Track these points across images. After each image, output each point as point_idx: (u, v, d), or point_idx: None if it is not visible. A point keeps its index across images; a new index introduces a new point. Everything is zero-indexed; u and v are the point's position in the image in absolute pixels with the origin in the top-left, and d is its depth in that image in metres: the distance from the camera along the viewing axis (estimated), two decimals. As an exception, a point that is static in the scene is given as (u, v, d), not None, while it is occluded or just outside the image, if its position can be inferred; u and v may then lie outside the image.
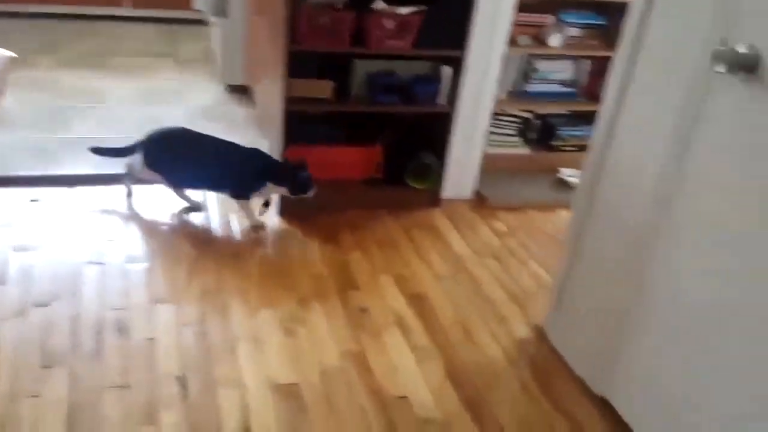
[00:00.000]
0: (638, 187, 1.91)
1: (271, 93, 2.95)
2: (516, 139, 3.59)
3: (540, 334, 2.39)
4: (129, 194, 2.91)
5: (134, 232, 2.69)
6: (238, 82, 4.13)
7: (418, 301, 2.48)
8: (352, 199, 3.03)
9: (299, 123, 2.79)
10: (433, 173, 3.04)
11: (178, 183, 2.82)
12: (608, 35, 3.53)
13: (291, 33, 2.55)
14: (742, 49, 1.53)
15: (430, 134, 3.05)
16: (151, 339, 2.14)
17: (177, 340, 2.14)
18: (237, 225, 2.81)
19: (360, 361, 2.14)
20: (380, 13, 2.63)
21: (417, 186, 3.06)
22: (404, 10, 2.64)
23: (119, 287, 2.36)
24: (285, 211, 2.92)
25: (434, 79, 2.91)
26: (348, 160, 2.99)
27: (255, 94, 3.91)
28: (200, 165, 2.74)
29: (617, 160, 2.01)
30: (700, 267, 1.73)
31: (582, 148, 3.70)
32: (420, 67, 2.96)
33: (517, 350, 2.31)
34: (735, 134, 1.61)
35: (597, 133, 2.09)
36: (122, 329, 2.16)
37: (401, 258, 2.74)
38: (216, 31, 4.20)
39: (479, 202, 3.26)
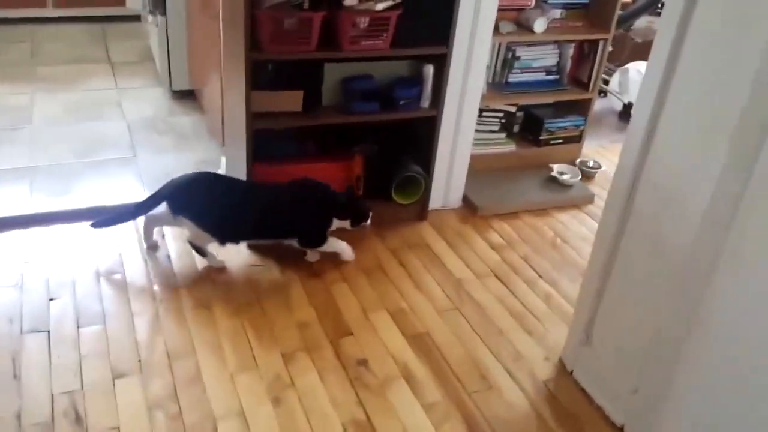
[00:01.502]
0: (688, 206, 1.61)
1: (230, 104, 2.55)
2: (501, 135, 3.27)
3: (563, 370, 2.11)
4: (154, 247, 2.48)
5: (79, 284, 2.28)
6: (184, 87, 3.68)
7: (421, 342, 2.16)
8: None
9: (266, 137, 2.41)
10: (421, 185, 2.70)
11: (228, 237, 2.38)
12: (591, 16, 3.24)
13: (251, 39, 2.16)
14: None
15: (414, 140, 2.71)
16: (115, 429, 1.76)
17: (146, 426, 1.77)
18: (200, 265, 2.42)
19: (368, 433, 1.82)
20: (352, 11, 2.26)
21: (403, 202, 2.72)
22: (379, 6, 2.27)
23: (69, 362, 1.96)
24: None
25: (416, 80, 2.56)
26: (324, 176, 2.62)
27: (203, 99, 3.49)
28: (259, 215, 2.36)
29: (659, 174, 1.71)
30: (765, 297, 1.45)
31: (571, 140, 3.43)
32: (400, 68, 2.61)
33: (542, 395, 2.01)
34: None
35: (629, 142, 1.79)
36: (77, 418, 1.77)
37: (394, 288, 2.40)
38: (154, 30, 3.73)
39: (469, 211, 2.94)
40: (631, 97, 4.10)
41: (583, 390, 2.03)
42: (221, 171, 2.75)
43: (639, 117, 1.73)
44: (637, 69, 4.13)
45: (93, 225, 2.41)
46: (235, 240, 2.41)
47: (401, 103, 2.53)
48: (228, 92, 2.45)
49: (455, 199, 2.95)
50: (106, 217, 2.41)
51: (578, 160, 3.41)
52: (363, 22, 2.28)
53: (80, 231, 2.51)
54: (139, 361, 1.97)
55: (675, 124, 1.64)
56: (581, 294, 2.06)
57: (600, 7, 3.19)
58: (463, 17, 2.49)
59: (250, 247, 2.52)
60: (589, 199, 3.16)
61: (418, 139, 2.69)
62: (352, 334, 2.16)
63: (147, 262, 2.40)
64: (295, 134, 2.58)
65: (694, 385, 1.67)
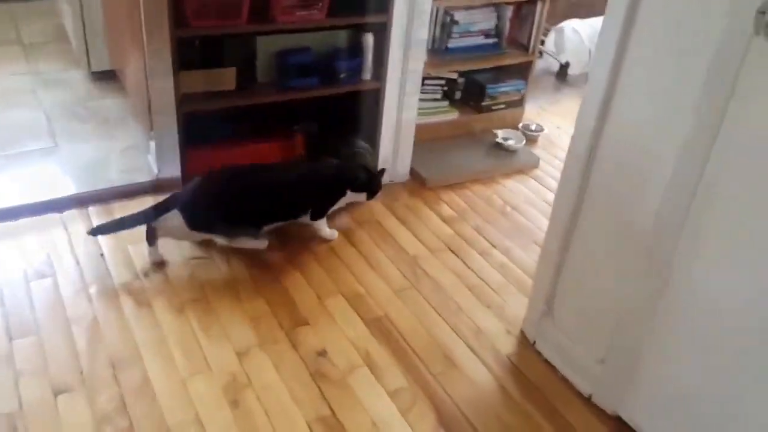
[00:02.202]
0: (652, 174, 1.57)
1: (156, 86, 2.37)
2: (443, 104, 3.19)
3: (525, 342, 2.07)
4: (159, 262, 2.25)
5: (6, 291, 2.09)
6: (104, 67, 3.42)
7: (380, 326, 2.08)
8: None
9: (198, 119, 2.25)
10: (367, 160, 2.60)
11: (240, 230, 2.26)
12: (530, -25, 3.17)
13: (175, 13, 1.98)
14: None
15: (357, 115, 2.59)
16: (58, 451, 1.62)
17: (93, 444, 1.64)
18: (139, 263, 2.26)
19: (334, 429, 1.73)
20: (285, -21, 2.11)
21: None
22: (313, -27, 2.13)
23: (3, 379, 1.79)
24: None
25: (356, 51, 2.44)
26: (262, 158, 2.49)
27: (126, 80, 3.25)
28: (271, 199, 2.27)
29: (619, 141, 1.66)
30: (735, 265, 1.43)
31: (513, 105, 3.37)
32: (338, 39, 2.47)
33: (506, 369, 1.98)
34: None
35: (585, 109, 1.72)
36: (14, 443, 1.63)
37: (348, 271, 2.31)
38: (67, 7, 3.45)
39: (417, 183, 2.86)
40: (567, 56, 4.07)
41: (546, 361, 2.01)
42: (151, 156, 2.58)
43: (596, 80, 1.66)
44: (572, 27, 4.09)
45: (93, 232, 2.21)
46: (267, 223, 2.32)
47: (342, 76, 2.41)
48: (153, 73, 2.26)
49: (403, 173, 2.86)
50: (105, 223, 2.22)
51: (521, 124, 3.37)
52: (295, -9, 2.14)
53: (1, 232, 2.30)
54: (81, 373, 1.82)
55: (635, 88, 1.59)
56: (540, 266, 2.01)
57: (536, -34, 3.12)
58: (401, -16, 2.37)
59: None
60: (535, 163, 3.13)
61: (362, 113, 2.58)
62: (308, 323, 2.06)
63: (78, 263, 2.22)
64: (230, 114, 2.42)
65: (663, 352, 1.66)
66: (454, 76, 3.17)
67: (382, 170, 2.53)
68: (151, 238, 2.21)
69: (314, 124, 2.51)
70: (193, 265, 2.27)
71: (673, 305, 1.61)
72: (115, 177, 2.60)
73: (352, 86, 2.44)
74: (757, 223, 1.37)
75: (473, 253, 2.47)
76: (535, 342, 2.06)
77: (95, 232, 2.21)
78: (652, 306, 1.65)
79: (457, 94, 3.27)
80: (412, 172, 2.88)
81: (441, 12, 3.01)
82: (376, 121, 2.56)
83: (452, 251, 2.47)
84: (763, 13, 1.25)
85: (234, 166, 2.24)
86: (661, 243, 1.58)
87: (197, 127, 2.28)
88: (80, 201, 2.46)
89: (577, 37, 4.03)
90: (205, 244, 2.35)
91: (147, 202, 2.43)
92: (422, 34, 2.59)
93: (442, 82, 3.14)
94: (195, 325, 2.01)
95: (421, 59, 2.66)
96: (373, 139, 2.59)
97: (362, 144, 2.56)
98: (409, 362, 1.96)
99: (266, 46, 2.32)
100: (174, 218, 2.14)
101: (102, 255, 2.26)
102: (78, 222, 2.39)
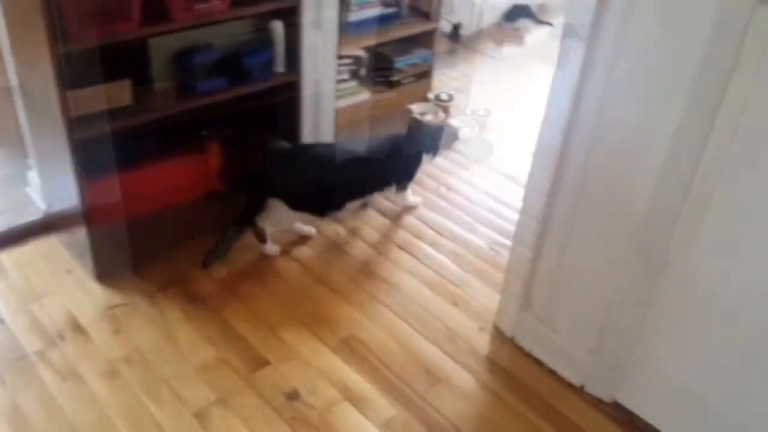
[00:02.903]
0: (643, 159, 1.45)
1: (35, 109, 1.97)
2: (353, 84, 2.96)
3: (502, 338, 1.95)
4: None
5: None
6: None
7: (350, 349, 1.87)
8: (192, 228, 2.23)
9: (91, 141, 1.88)
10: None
11: (331, 207, 2.25)
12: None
13: (55, 25, 1.61)
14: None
15: (274, 111, 2.31)
16: None
17: None
18: (49, 322, 1.89)
19: (333, 485, 1.53)
20: (180, -31, 1.78)
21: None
22: (213, -42, 1.81)
23: None
24: (101, 273, 2.03)
25: (265, 42, 2.15)
26: (173, 179, 2.17)
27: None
28: (358, 174, 2.26)
29: (601, 128, 1.53)
30: (734, 253, 1.36)
31: (422, 76, 3.20)
32: (242, 30, 2.16)
33: (491, 372, 1.85)
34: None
35: (558, 88, 1.57)
36: None
37: (297, 292, 2.07)
38: None
39: (344, 176, 2.63)
40: (457, 16, 3.93)
41: (530, 356, 1.89)
42: (31, 189, 2.19)
43: (569, 54, 1.51)
44: (459, -14, 3.95)
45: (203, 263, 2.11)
46: (338, 207, 2.28)
47: (253, 72, 2.11)
48: (29, 94, 1.87)
49: (325, 167, 2.62)
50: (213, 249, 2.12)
51: (431, 95, 3.21)
52: (194, -19, 1.81)
53: None
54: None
55: (618, 64, 1.44)
56: (513, 258, 1.88)
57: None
58: (306, -42, 2.10)
59: (107, 284, 2.02)
60: (454, 135, 2.97)
61: (280, 110, 2.30)
62: (268, 362, 1.81)
63: (-27, 337, 1.83)
64: (131, 131, 2.06)
65: (659, 338, 1.58)
66: (362, 53, 2.94)
67: (441, 127, 2.53)
68: (261, 236, 2.18)
69: (230, 130, 2.20)
70: (114, 315, 1.93)
71: (669, 291, 1.52)
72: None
73: (265, 82, 2.15)
74: (758, 209, 1.29)
75: (423, 247, 2.30)
76: (513, 337, 1.94)
77: (207, 263, 2.11)
78: (646, 292, 1.56)
79: (362, 71, 3.05)
80: (336, 165, 2.65)
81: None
82: (296, 116, 2.29)
83: (401, 248, 2.28)
84: (771, -24, 1.14)
85: (310, 145, 2.31)
86: (656, 229, 1.48)
87: (91, 151, 1.92)
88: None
89: (465, -5, 3.90)
90: (122, 288, 2.01)
91: (39, 245, 2.06)
92: (332, 12, 2.34)
93: (350, 61, 2.90)
94: (137, 389, 1.71)
95: (334, 41, 2.41)
96: (296, 137, 2.32)
97: (284, 143, 2.29)
98: (391, 386, 1.77)
99: (160, 48, 1.98)
100: (275, 207, 2.11)
101: (2, 321, 1.88)
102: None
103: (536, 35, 4.19)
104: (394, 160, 2.33)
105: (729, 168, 1.32)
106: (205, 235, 2.23)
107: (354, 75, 2.96)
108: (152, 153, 2.11)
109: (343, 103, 2.84)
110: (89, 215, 1.93)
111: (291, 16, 2.10)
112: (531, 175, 1.74)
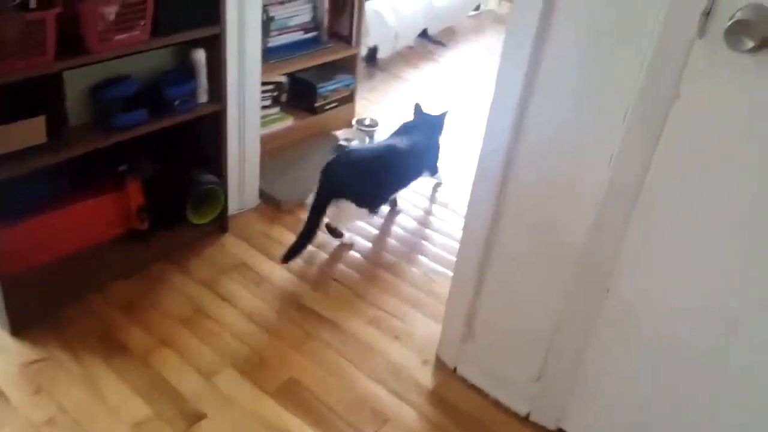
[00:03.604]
0: (584, 186, 1.47)
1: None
2: (275, 110, 2.89)
3: (445, 369, 1.93)
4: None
5: None
6: None
7: (291, 394, 1.79)
8: (113, 270, 2.09)
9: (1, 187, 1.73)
10: (218, 196, 2.24)
11: (383, 201, 2.49)
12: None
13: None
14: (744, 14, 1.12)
15: (198, 144, 2.21)
16: None
17: None
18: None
19: None
20: (97, 1, 1.66)
21: (202, 221, 2.23)
22: (133, -12, 1.70)
23: None
24: (16, 326, 1.85)
25: (187, 71, 2.05)
26: (91, 218, 2.03)
27: None
28: (404, 166, 2.48)
29: (538, 153, 1.54)
30: (678, 275, 1.40)
31: (345, 101, 3.16)
32: (162, 59, 2.06)
33: (436, 406, 1.82)
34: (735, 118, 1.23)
35: (496, 115, 1.57)
36: None
37: (227, 332, 1.97)
38: None
39: (272, 207, 2.55)
40: (373, 39, 3.93)
41: (473, 386, 1.88)
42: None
43: (507, 83, 1.51)
44: (373, 9, 3.95)
45: (284, 260, 2.23)
46: (386, 201, 2.52)
47: (175, 103, 2.01)
48: None
49: (252, 198, 2.53)
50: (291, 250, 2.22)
51: (354, 120, 3.18)
52: (111, 12, 1.70)
53: None
54: None
55: (556, 93, 1.46)
56: (454, 288, 1.86)
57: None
58: (229, -15, 2.02)
59: (23, 338, 1.85)
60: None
61: (203, 142, 2.20)
62: (205, 415, 1.70)
63: None
64: (43, 171, 1.91)
65: (605, 363, 1.60)
66: (284, 79, 2.87)
67: (445, 112, 2.69)
68: (334, 232, 2.36)
69: (150, 164, 2.08)
70: (33, 372, 1.77)
71: (609, 319, 1.55)
72: None
73: (188, 114, 2.05)
74: (703, 231, 1.33)
75: (356, 277, 2.25)
76: (456, 368, 1.92)
77: (288, 257, 2.22)
78: (587, 320, 1.58)
79: (284, 97, 2.98)
80: (263, 195, 2.57)
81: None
82: (221, 148, 2.20)
83: (335, 279, 2.23)
84: (707, 14, 1.18)
85: (362, 148, 2.54)
86: (596, 257, 1.50)
87: (2, 194, 1.77)
88: None
89: (380, 17, 3.91)
90: (39, 340, 1.85)
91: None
92: (256, 39, 2.27)
93: (271, 87, 2.83)
94: (61, 455, 1.57)
95: (258, 68, 2.34)
96: (220, 169, 2.23)
97: (210, 178, 2.19)
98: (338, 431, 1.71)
99: (75, 81, 1.84)
100: (345, 208, 2.26)
101: None
102: None
103: (449, 55, 4.26)
104: (426, 150, 2.56)
105: (670, 196, 1.35)
106: (127, 276, 2.10)
107: (276, 101, 2.89)
108: (69, 192, 1.97)
109: (266, 130, 2.75)
110: (0, 263, 1.76)
111: (214, 45, 2.02)
112: (470, 204, 1.73)
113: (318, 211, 2.24)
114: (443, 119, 2.67)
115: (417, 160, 2.53)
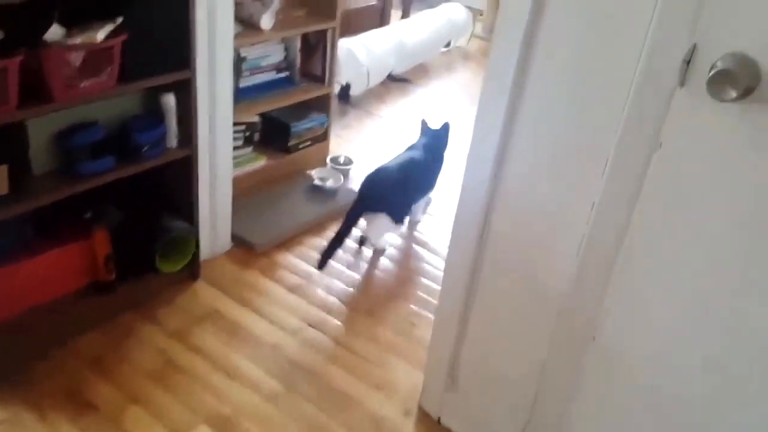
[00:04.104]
0: (565, 236, 1.44)
1: None
2: (247, 151, 2.84)
3: (428, 420, 1.87)
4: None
5: None
6: None
7: (268, 450, 1.72)
8: (79, 323, 2.00)
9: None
10: (189, 242, 2.17)
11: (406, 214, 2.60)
12: (310, 1, 2.93)
13: None
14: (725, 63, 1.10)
15: (167, 190, 2.14)
16: None
17: None
18: None
19: None
20: (61, 48, 1.61)
21: (173, 270, 2.16)
22: (100, 35, 1.65)
23: None
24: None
25: (156, 115, 2.00)
26: (56, 270, 1.95)
27: None
28: (422, 179, 2.65)
29: (516, 205, 1.51)
30: (665, 320, 1.37)
31: (318, 140, 3.12)
32: (132, 105, 2.00)
33: (424, 462, 1.75)
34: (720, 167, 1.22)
35: (474, 164, 1.54)
36: None
37: (201, 387, 1.88)
38: None
39: (245, 251, 2.48)
40: (346, 77, 3.92)
41: (462, 438, 1.82)
42: None
43: (484, 133, 1.49)
44: (345, 47, 3.95)
45: (319, 267, 2.36)
46: (409, 213, 2.63)
47: (144, 149, 1.95)
48: None
49: (225, 242, 2.46)
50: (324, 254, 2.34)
51: (329, 158, 3.14)
52: (77, 58, 1.64)
53: None
54: None
55: (533, 145, 1.44)
56: (435, 337, 1.81)
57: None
58: (200, 27, 1.98)
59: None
60: (356, 199, 2.92)
61: (173, 187, 2.14)
62: (178, 477, 1.62)
63: None
64: (6, 223, 1.83)
65: (591, 414, 1.56)
66: (256, 119, 2.83)
67: (446, 124, 2.77)
68: (364, 242, 2.55)
69: (117, 211, 2.01)
70: (-8, 436, 1.67)
71: (599, 364, 1.51)
72: None
73: (157, 159, 1.98)
74: (689, 278, 1.30)
75: (335, 323, 2.19)
76: (440, 418, 1.86)
77: (322, 264, 2.34)
78: (576, 366, 1.54)
79: (256, 136, 2.93)
80: (235, 239, 2.50)
81: (228, 50, 2.64)
82: (191, 191, 2.13)
83: (313, 327, 2.16)
84: (688, 62, 1.16)
85: (393, 163, 2.51)
86: (582, 303, 1.47)
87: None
88: None
89: (352, 55, 3.91)
90: (7, 400, 1.75)
91: None
92: (228, 81, 2.23)
93: (243, 127, 2.78)
94: None
95: (229, 111, 2.29)
96: (191, 214, 2.16)
97: (180, 224, 2.12)
98: (318, 490, 1.63)
99: (40, 128, 1.77)
100: (379, 221, 2.42)
101: None
102: None
103: (421, 92, 4.27)
104: (438, 162, 2.71)
105: (654, 245, 1.32)
106: (95, 329, 2.01)
107: (249, 142, 2.84)
108: (33, 242, 1.89)
109: (239, 171, 2.70)
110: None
111: (184, 89, 1.97)
112: (450, 250, 1.69)
113: (352, 221, 2.37)
114: (448, 132, 2.76)
115: (431, 173, 2.69)
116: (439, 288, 1.78)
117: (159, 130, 1.98)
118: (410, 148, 2.67)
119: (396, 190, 2.44)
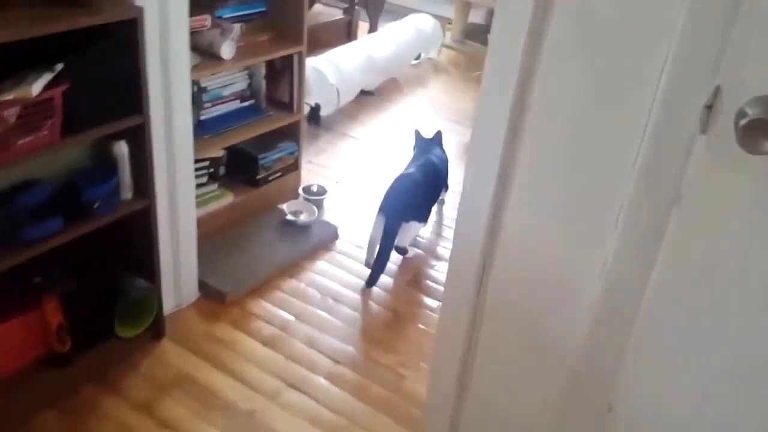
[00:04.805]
0: (574, 297, 1.29)
1: None
2: (213, 188, 2.65)
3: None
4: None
5: None
6: None
7: None
8: (31, 401, 1.80)
9: None
10: (151, 302, 1.98)
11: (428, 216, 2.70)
12: (277, 25, 2.75)
13: None
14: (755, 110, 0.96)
15: (124, 246, 1.94)
16: None
17: None
18: None
19: None
20: (-9, 102, 1.41)
21: (134, 333, 1.96)
22: (36, 88, 1.46)
23: None
24: None
25: (107, 167, 1.80)
26: (3, 344, 1.74)
27: None
28: (434, 186, 2.75)
29: (518, 267, 1.35)
30: (689, 387, 1.22)
31: (289, 170, 2.94)
32: (79, 157, 1.80)
33: None
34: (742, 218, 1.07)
35: (465, 221, 1.38)
36: None
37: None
38: None
39: (214, 301, 2.29)
40: (315, 98, 3.75)
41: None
42: None
43: (476, 190, 1.33)
44: (312, 67, 3.77)
45: (368, 284, 2.42)
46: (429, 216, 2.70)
47: (96, 205, 1.76)
48: None
49: (191, 292, 2.27)
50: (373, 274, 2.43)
51: (301, 189, 2.96)
52: (11, 115, 1.44)
53: None
54: None
55: (533, 199, 1.28)
56: (431, 399, 1.65)
57: (284, 14, 2.72)
58: (152, 66, 1.79)
59: None
60: (334, 234, 2.75)
61: (129, 241, 1.94)
62: None
63: None
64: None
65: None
66: (220, 153, 2.64)
67: (439, 132, 2.92)
68: (402, 250, 2.58)
69: (67, 278, 1.81)
70: None
71: (615, 424, 1.36)
72: None
73: (111, 215, 1.79)
74: (708, 347, 1.16)
75: (317, 381, 2.01)
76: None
77: (371, 283, 2.43)
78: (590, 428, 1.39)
79: (221, 170, 2.74)
80: (203, 287, 2.31)
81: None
82: (151, 243, 1.94)
83: (293, 387, 1.98)
84: (710, 107, 1.02)
85: (412, 172, 2.61)
86: (595, 368, 1.32)
87: None
88: None
89: (320, 75, 3.74)
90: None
91: None
92: (186, 119, 2.04)
93: (206, 164, 2.59)
94: None
95: (189, 151, 2.11)
96: (152, 269, 1.97)
97: (141, 283, 1.93)
98: None
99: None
100: (411, 229, 2.52)
101: None
102: None
103: (394, 109, 4.11)
104: (445, 162, 2.84)
105: (675, 311, 1.17)
106: (53, 406, 1.80)
107: (214, 178, 2.65)
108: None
109: (204, 211, 2.51)
110: None
111: (137, 135, 1.78)
112: (444, 306, 1.53)
113: (392, 237, 2.41)
114: (441, 138, 2.90)
115: (445, 173, 2.85)
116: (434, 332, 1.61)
117: (111, 183, 1.78)
118: (415, 157, 2.79)
119: (423, 196, 2.60)
